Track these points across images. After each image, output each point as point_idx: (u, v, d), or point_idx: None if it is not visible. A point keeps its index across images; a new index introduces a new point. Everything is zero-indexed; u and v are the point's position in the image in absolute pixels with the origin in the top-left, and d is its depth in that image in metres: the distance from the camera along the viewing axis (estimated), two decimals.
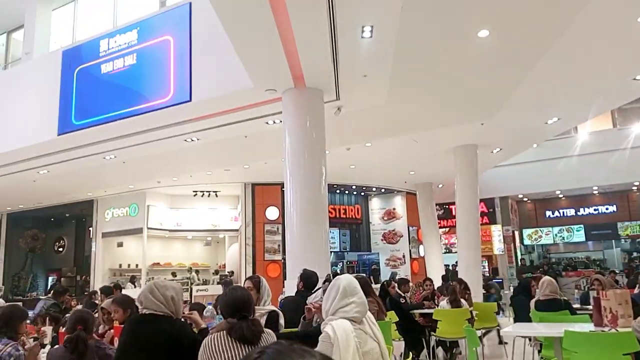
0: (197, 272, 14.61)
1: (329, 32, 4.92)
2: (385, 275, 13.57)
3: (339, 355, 2.18)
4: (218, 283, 12.89)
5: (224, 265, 14.77)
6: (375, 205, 15.57)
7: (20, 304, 10.86)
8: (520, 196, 17.35)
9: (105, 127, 7.47)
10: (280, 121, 6.89)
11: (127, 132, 7.78)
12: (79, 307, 7.32)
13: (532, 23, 5.46)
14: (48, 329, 4.72)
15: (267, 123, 7.53)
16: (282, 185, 11.27)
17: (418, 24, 5.40)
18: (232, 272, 13.35)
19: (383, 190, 14.97)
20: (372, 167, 11.85)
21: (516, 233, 17.32)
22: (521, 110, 8.23)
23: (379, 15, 4.75)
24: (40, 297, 13.04)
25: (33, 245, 16.38)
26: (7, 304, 5.71)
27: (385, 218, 15.32)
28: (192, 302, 9.14)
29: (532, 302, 5.28)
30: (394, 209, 15.21)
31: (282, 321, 3.24)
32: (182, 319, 2.84)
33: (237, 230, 13.85)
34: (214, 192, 13.75)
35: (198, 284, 13.51)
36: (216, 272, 14.65)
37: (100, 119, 7.41)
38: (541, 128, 9.40)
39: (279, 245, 12.72)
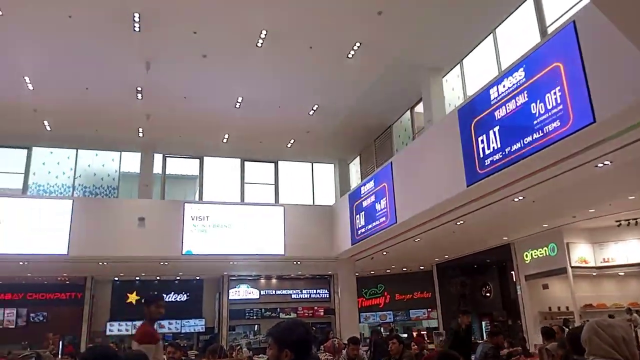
0: (638, 312, 12.52)
1: None
2: None
3: None
4: None
5: None
6: None
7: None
8: None
9: (509, 170, 7.54)
10: None
11: (531, 171, 7.63)
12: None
13: None
14: None
15: None
16: None
17: None
18: None
19: None
20: None
21: None
22: None
23: None
24: (478, 341, 13.81)
25: (462, 292, 17.76)
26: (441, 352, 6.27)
27: None
28: None
29: None
30: None
31: None
32: None
33: None
34: None
35: None
36: None
37: (503, 164, 7.55)
38: None
39: None
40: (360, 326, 17.03)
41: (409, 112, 13.72)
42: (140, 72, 10.81)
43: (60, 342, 16.27)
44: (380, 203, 11.80)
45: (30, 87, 11.32)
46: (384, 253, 14.32)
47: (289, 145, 15.59)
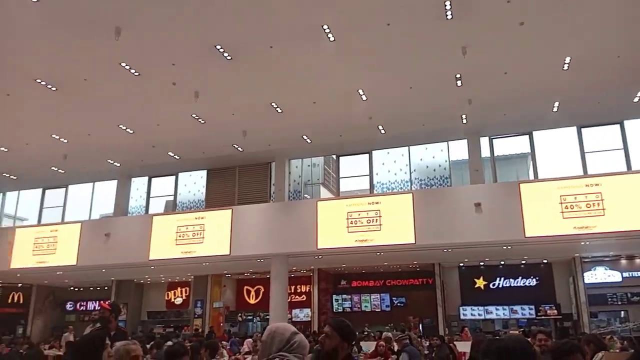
0: None
1: None
2: None
3: None
4: None
5: None
6: None
7: None
8: None
9: None
10: None
11: None
12: None
13: None
14: None
15: None
16: None
17: None
18: None
19: None
20: None
21: None
22: None
23: None
24: None
25: None
26: None
27: None
28: None
29: None
30: None
31: None
32: None
33: None
34: None
35: None
36: None
37: None
38: None
39: None
40: None
41: None
42: (457, 58, 10.76)
43: (420, 325, 17.72)
44: None
45: (364, 97, 12.69)
46: None
47: (635, 99, 13.05)
